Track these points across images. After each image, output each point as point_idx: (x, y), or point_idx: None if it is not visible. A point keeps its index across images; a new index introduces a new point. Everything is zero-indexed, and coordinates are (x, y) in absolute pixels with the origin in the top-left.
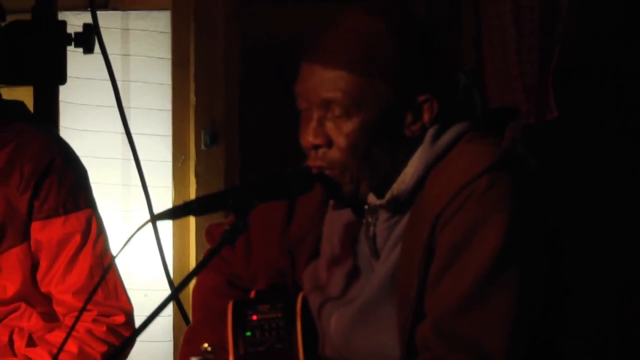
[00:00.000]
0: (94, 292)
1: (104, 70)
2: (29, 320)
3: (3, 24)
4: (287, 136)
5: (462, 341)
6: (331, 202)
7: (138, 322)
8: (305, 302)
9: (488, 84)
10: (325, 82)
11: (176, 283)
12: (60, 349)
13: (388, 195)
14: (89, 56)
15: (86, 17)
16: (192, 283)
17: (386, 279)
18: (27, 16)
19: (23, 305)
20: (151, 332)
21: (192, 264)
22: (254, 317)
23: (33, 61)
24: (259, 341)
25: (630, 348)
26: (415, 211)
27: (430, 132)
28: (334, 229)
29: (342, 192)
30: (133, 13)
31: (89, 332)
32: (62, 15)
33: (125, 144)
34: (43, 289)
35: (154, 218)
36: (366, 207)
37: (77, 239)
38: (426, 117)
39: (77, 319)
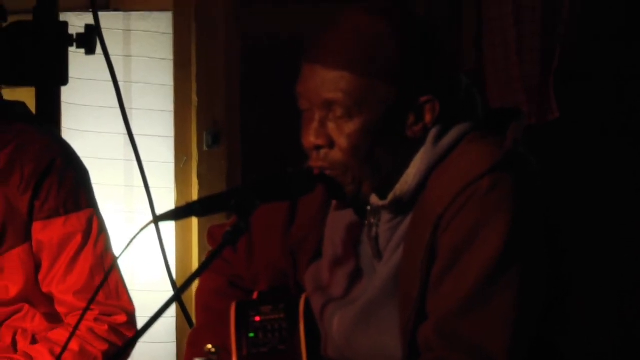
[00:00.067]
0: (97, 292)
1: (106, 71)
2: (32, 321)
3: (5, 25)
4: (289, 136)
5: (464, 342)
6: (333, 202)
7: (141, 323)
8: (307, 303)
9: (489, 85)
10: (327, 82)
11: (179, 284)
12: (65, 348)
13: (390, 197)
14: (90, 57)
15: (88, 18)
16: (195, 284)
17: (388, 279)
18: (29, 17)
19: (26, 307)
20: (154, 333)
21: (195, 265)
22: (257, 318)
23: (35, 62)
24: (262, 342)
25: (631, 349)
26: (417, 212)
27: (432, 133)
28: (336, 230)
29: (344, 192)
30: (135, 14)
31: (91, 330)
32: (64, 16)
33: (128, 145)
34: (44, 289)
35: (157, 219)
36: (368, 207)
37: (78, 239)
38: (428, 117)
39: (81, 318)
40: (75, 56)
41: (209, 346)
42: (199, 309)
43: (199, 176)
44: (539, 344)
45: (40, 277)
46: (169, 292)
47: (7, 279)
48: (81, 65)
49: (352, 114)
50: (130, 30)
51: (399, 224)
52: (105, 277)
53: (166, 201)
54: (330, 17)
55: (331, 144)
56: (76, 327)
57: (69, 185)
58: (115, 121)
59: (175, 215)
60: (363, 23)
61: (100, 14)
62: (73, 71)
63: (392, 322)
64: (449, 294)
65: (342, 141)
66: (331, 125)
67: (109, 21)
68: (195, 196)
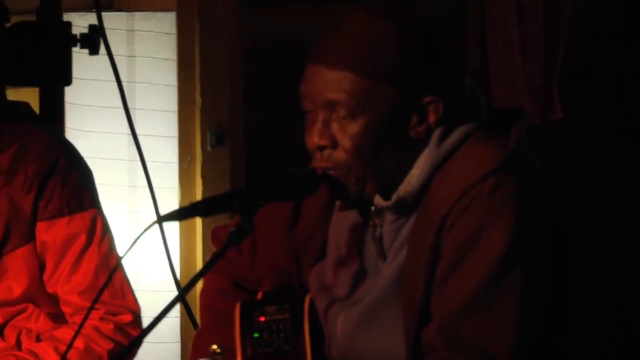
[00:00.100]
0: (101, 291)
1: (110, 72)
2: (37, 321)
3: (8, 25)
4: (292, 137)
5: (468, 343)
6: (337, 203)
7: (144, 323)
8: (312, 303)
9: (493, 85)
10: (330, 83)
11: (183, 284)
12: (70, 346)
13: (394, 198)
14: (94, 57)
15: (91, 18)
16: (199, 285)
17: (392, 280)
18: (32, 17)
19: (30, 307)
20: (158, 333)
21: (199, 265)
22: (262, 319)
23: (38, 62)
24: (267, 342)
25: (632, 349)
26: (421, 213)
27: (436, 134)
28: (340, 231)
29: (347, 193)
30: (138, 14)
31: (96, 329)
32: (67, 17)
33: (131, 145)
34: (49, 290)
35: (160, 219)
36: (372, 208)
37: (82, 239)
38: (431, 118)
39: (86, 317)
40: (79, 56)
41: (214, 346)
42: (203, 310)
43: (203, 176)
44: (541, 344)
45: (45, 277)
46: (173, 293)
47: (11, 279)
48: (84, 65)
49: (356, 114)
50: (133, 30)
51: (403, 224)
52: (110, 276)
53: (170, 201)
54: (333, 18)
55: (335, 145)
56: (81, 326)
57: (73, 185)
58: (119, 121)
59: (179, 215)
60: (366, 23)
61: (104, 14)
62: (76, 71)
63: (396, 322)
64: (453, 294)
65: (345, 142)
66: (334, 126)
67: (113, 21)
68: (199, 196)
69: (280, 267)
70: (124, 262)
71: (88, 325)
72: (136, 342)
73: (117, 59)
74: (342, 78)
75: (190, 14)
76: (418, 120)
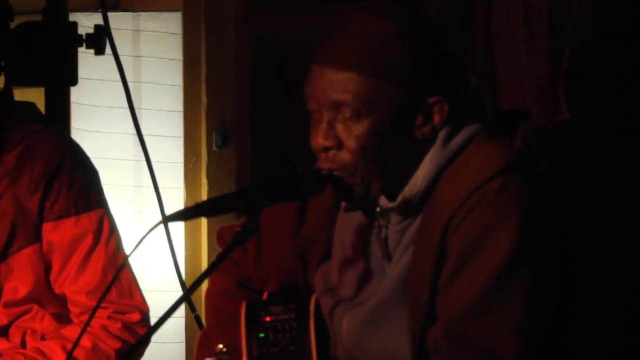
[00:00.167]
0: (107, 290)
1: (115, 72)
2: (42, 321)
3: (12, 25)
4: (298, 137)
5: (474, 344)
6: (343, 204)
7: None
8: (317, 303)
9: (499, 85)
10: (335, 83)
11: (188, 284)
12: (76, 343)
13: (399, 199)
14: (100, 57)
15: (97, 19)
16: (204, 285)
17: (398, 281)
18: (38, 17)
19: (35, 307)
20: (163, 333)
21: (204, 265)
22: (267, 319)
23: (44, 62)
24: (273, 342)
25: (638, 350)
26: (427, 214)
27: (441, 134)
28: (346, 231)
29: (352, 193)
30: (144, 14)
31: (104, 328)
32: (73, 17)
33: (137, 145)
34: (57, 290)
35: (166, 219)
36: (378, 209)
37: (89, 239)
38: (437, 119)
39: (92, 315)
40: (85, 56)
41: (220, 346)
42: (209, 311)
43: (208, 176)
44: (547, 344)
45: (52, 277)
46: (178, 292)
47: (16, 279)
48: (90, 65)
49: (361, 115)
50: (139, 30)
51: (409, 225)
52: (116, 275)
53: (175, 201)
54: (338, 18)
55: (340, 145)
56: (87, 324)
57: (79, 185)
58: (125, 121)
59: (185, 215)
60: (371, 24)
61: (110, 14)
62: (82, 71)
63: (402, 323)
64: (459, 295)
65: (350, 142)
66: (340, 127)
67: (118, 21)
68: (204, 196)
69: (285, 267)
70: (129, 261)
71: (96, 324)
72: (142, 342)
73: (122, 59)
74: (347, 79)
75: (196, 14)
76: (423, 121)
